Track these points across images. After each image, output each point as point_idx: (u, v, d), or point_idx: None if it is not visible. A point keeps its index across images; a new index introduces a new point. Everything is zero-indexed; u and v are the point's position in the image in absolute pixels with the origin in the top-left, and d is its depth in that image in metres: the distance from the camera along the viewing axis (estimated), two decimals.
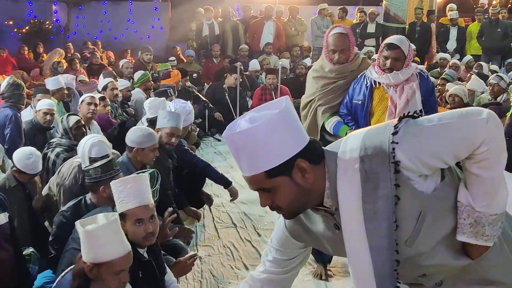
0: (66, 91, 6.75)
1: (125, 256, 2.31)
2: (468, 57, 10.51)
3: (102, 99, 6.17)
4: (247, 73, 9.89)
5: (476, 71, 8.90)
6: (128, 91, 7.40)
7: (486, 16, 11.90)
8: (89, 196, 3.35)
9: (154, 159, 4.13)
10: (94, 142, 3.89)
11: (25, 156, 3.86)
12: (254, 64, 10.15)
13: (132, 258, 2.39)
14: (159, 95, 6.44)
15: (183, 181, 4.88)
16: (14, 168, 3.88)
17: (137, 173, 3.27)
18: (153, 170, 3.52)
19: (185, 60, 11.49)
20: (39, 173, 4.02)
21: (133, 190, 2.65)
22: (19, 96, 5.32)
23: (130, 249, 2.37)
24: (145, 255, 2.80)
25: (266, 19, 11.81)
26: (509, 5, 17.95)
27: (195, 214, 4.82)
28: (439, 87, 7.86)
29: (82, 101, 5.56)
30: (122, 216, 2.63)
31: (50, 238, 3.29)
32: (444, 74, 8.54)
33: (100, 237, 2.26)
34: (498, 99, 6.72)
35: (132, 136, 4.08)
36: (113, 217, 2.33)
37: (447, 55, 10.61)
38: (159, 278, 2.93)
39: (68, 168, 3.98)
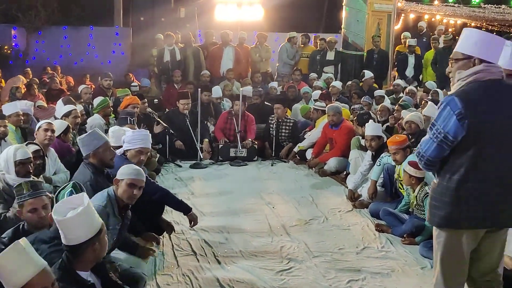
0: (22, 117, 6.64)
1: (40, 273, 2.35)
2: (431, 83, 10.62)
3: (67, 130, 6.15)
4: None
5: (431, 97, 9.14)
6: (83, 115, 7.42)
7: (440, 44, 12.30)
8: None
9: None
10: (17, 146, 4.06)
11: None
12: (216, 91, 10.17)
13: (51, 272, 2.43)
14: (120, 123, 6.45)
15: (142, 208, 4.82)
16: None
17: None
18: (73, 182, 3.51)
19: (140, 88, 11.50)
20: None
21: (84, 225, 2.76)
22: None
23: (43, 265, 2.40)
24: (90, 278, 2.80)
25: (225, 46, 11.90)
26: None
27: (154, 239, 4.77)
28: (395, 113, 8.05)
29: (39, 127, 5.48)
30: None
31: None
32: (401, 100, 8.74)
33: (5, 266, 2.28)
34: None
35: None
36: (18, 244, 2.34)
37: (401, 81, 10.92)
38: None
39: None
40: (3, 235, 3.31)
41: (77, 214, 2.71)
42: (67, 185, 3.41)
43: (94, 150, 4.52)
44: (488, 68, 2.92)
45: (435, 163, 3.04)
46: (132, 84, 11.21)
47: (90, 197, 3.25)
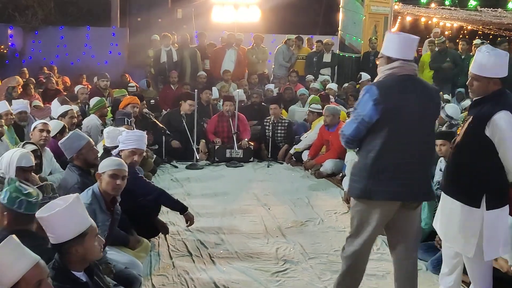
0: (12, 116, 6.61)
1: (34, 267, 2.32)
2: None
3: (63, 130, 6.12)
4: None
5: None
6: (79, 116, 7.45)
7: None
8: None
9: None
10: (23, 153, 4.01)
11: None
12: (213, 92, 10.18)
13: (45, 266, 2.40)
14: (117, 124, 6.46)
15: (138, 210, 4.82)
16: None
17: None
18: (10, 177, 3.27)
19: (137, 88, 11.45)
20: None
21: (63, 225, 2.74)
22: None
23: (37, 259, 2.36)
24: (83, 278, 2.81)
25: (228, 47, 11.88)
26: (461, 36, 18.63)
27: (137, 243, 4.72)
28: None
29: (34, 127, 5.47)
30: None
31: None
32: None
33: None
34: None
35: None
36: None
37: None
38: None
39: None
40: None
41: (52, 214, 2.69)
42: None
43: (77, 152, 4.49)
44: (403, 65, 3.44)
45: (353, 141, 3.54)
46: (129, 84, 11.17)
47: None
